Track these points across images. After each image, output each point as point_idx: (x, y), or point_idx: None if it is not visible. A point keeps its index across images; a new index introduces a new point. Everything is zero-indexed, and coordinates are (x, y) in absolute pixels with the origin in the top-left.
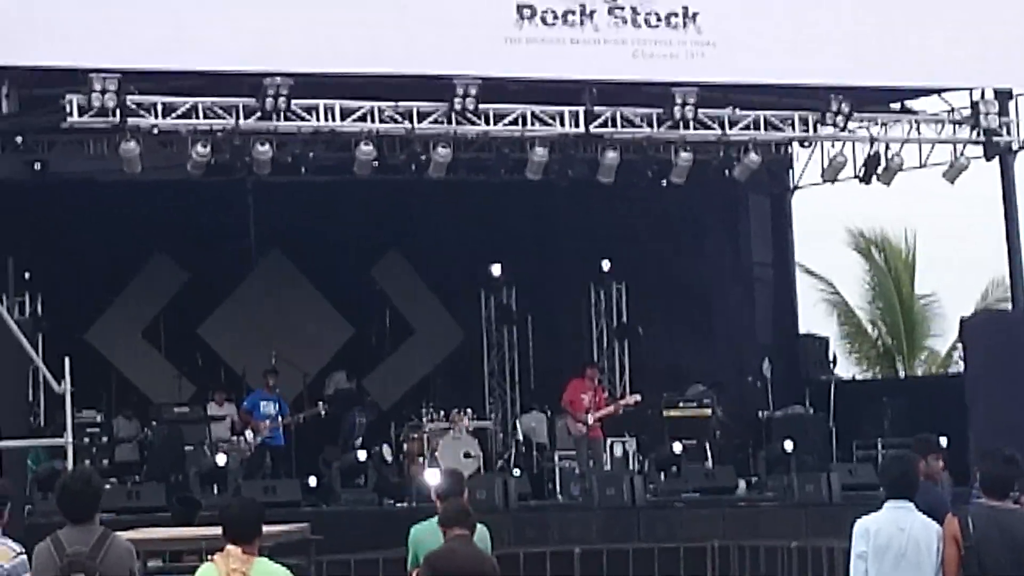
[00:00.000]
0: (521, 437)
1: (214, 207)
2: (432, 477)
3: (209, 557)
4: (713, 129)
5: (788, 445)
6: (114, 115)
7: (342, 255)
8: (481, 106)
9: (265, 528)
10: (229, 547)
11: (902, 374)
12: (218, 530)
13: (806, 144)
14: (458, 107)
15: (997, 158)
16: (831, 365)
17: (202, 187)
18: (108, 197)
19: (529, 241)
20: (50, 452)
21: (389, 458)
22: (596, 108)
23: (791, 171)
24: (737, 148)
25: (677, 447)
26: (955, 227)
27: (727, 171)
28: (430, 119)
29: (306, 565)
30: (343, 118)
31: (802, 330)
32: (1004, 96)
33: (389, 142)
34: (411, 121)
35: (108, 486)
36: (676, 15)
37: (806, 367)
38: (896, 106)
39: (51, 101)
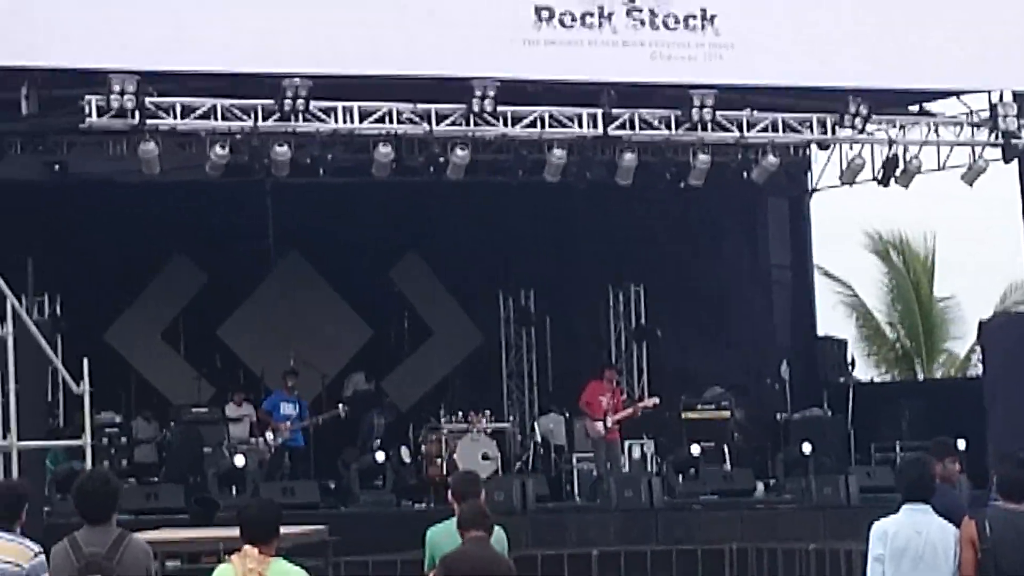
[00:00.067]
0: (539, 439)
1: (233, 208)
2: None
3: (226, 557)
4: (731, 131)
5: (806, 447)
6: (133, 116)
7: (360, 256)
8: (499, 108)
9: (283, 529)
10: (246, 548)
11: (920, 377)
12: (236, 531)
13: (824, 146)
14: (476, 109)
15: (1016, 160)
16: (849, 367)
17: (221, 188)
18: (127, 198)
19: (547, 243)
20: (69, 453)
21: (407, 459)
22: (614, 110)
23: (809, 173)
24: (755, 150)
25: (695, 449)
26: (974, 230)
27: (745, 173)
28: (448, 121)
29: (324, 566)
30: (361, 119)
31: (820, 332)
32: (1023, 98)
33: (407, 143)
34: (429, 123)
35: (127, 487)
36: (694, 17)
37: (824, 369)
38: (914, 108)
39: (70, 102)
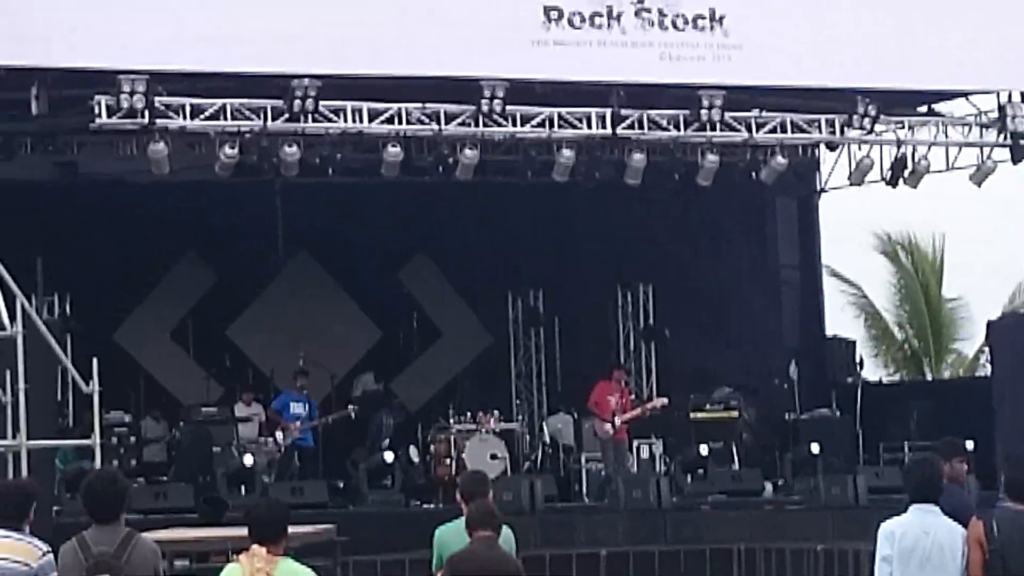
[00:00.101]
0: (548, 439)
1: (242, 208)
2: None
3: (234, 557)
4: (740, 131)
5: (815, 448)
6: (143, 116)
7: (369, 257)
8: (508, 108)
9: (291, 529)
10: (254, 547)
11: (929, 377)
12: (244, 531)
13: (833, 147)
14: (485, 109)
15: None
16: (858, 368)
17: (230, 188)
18: (136, 198)
19: (556, 243)
20: (78, 452)
21: (416, 459)
22: (623, 110)
23: (818, 174)
24: (764, 151)
25: (703, 449)
26: (982, 230)
27: (754, 174)
28: (457, 121)
29: (332, 566)
30: (371, 120)
31: (829, 333)
32: None
33: (416, 144)
34: (438, 123)
35: (136, 486)
36: (703, 17)
37: (833, 370)
38: (923, 109)
39: (80, 102)
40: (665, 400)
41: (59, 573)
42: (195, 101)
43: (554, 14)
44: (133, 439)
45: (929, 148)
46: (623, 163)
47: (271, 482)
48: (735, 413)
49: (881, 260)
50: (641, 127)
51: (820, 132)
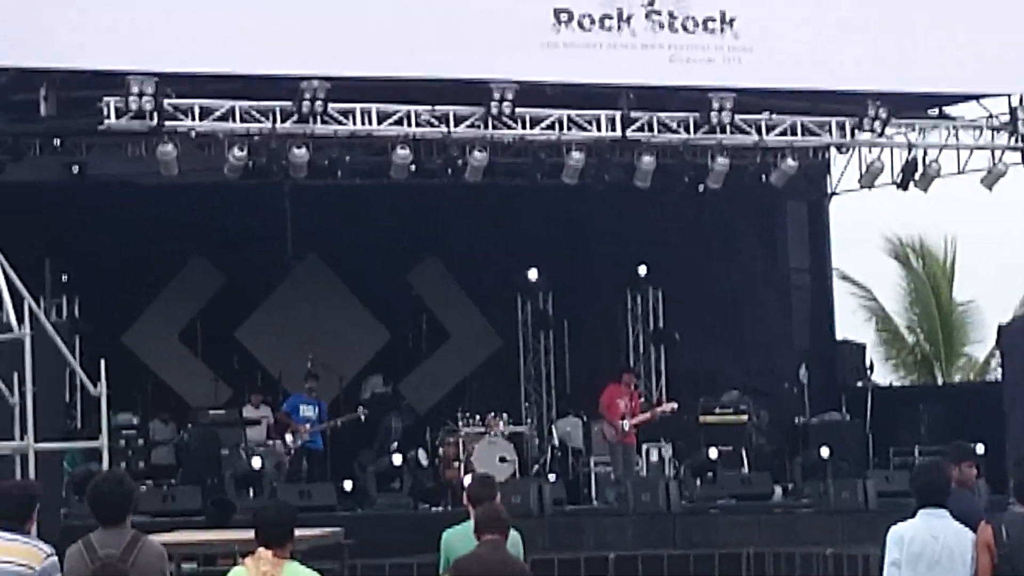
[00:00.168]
0: (557, 442)
1: (250, 210)
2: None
3: (241, 560)
4: (750, 134)
5: (824, 452)
6: (151, 118)
7: (378, 259)
8: (518, 110)
9: (299, 532)
10: (260, 550)
11: (940, 381)
12: (252, 533)
13: (844, 150)
14: (495, 111)
15: None
16: (868, 371)
17: (238, 190)
18: (145, 200)
19: (565, 246)
20: (86, 455)
21: (425, 462)
22: (633, 113)
23: (828, 177)
24: (774, 153)
25: (713, 453)
26: (993, 233)
27: (764, 176)
28: (467, 123)
29: (339, 569)
30: (379, 122)
31: (839, 336)
32: None
33: (425, 146)
34: (447, 125)
35: (144, 489)
36: (713, 20)
37: (843, 373)
38: (934, 112)
39: (89, 104)
40: (675, 405)
41: None
42: (204, 103)
43: (564, 16)
44: (141, 441)
45: (940, 151)
46: (633, 166)
47: (279, 484)
48: (744, 417)
49: (892, 263)
50: (651, 129)
51: (831, 135)
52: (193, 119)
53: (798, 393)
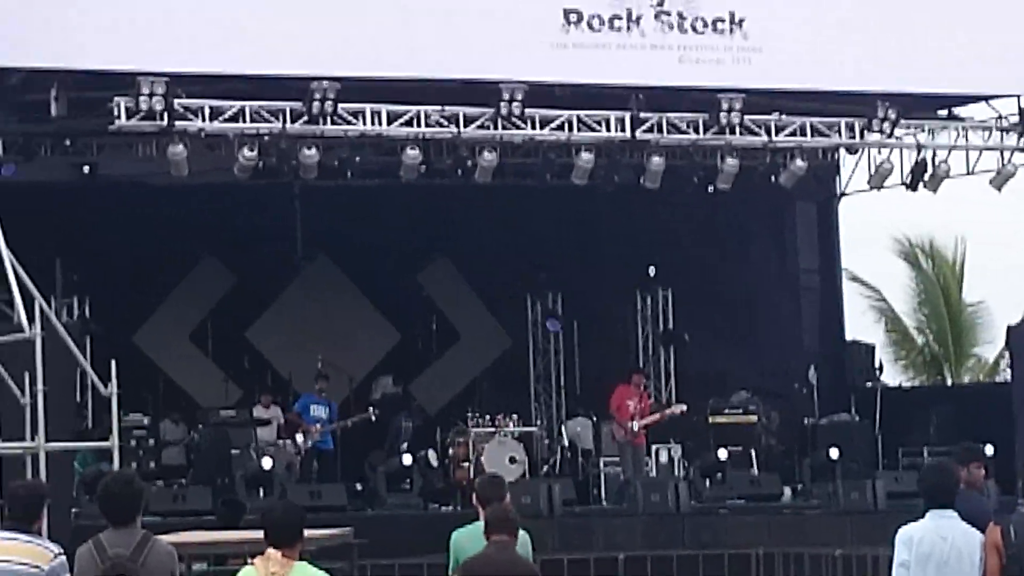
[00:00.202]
0: (566, 443)
1: (261, 211)
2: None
3: (250, 560)
4: (759, 135)
5: (834, 452)
6: (162, 118)
7: (388, 259)
8: (527, 111)
9: (308, 532)
10: (269, 551)
11: (949, 382)
12: (261, 533)
13: (853, 151)
14: (504, 112)
15: None
16: (877, 372)
17: (249, 191)
18: (155, 200)
19: (575, 246)
20: (97, 455)
21: (435, 463)
22: (642, 113)
23: (838, 177)
24: (783, 154)
25: (722, 454)
26: (1003, 234)
27: (773, 177)
28: (476, 124)
29: (349, 569)
30: (390, 122)
31: (848, 337)
32: None
33: (435, 146)
34: (457, 126)
35: (154, 489)
36: (723, 21)
37: (852, 374)
38: (943, 113)
39: (99, 104)
40: (684, 407)
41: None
42: (214, 103)
43: (573, 17)
44: (152, 441)
45: (949, 152)
46: (642, 166)
47: (290, 485)
48: (754, 418)
49: (901, 264)
50: (660, 130)
51: (840, 136)
52: (203, 119)
53: (807, 394)
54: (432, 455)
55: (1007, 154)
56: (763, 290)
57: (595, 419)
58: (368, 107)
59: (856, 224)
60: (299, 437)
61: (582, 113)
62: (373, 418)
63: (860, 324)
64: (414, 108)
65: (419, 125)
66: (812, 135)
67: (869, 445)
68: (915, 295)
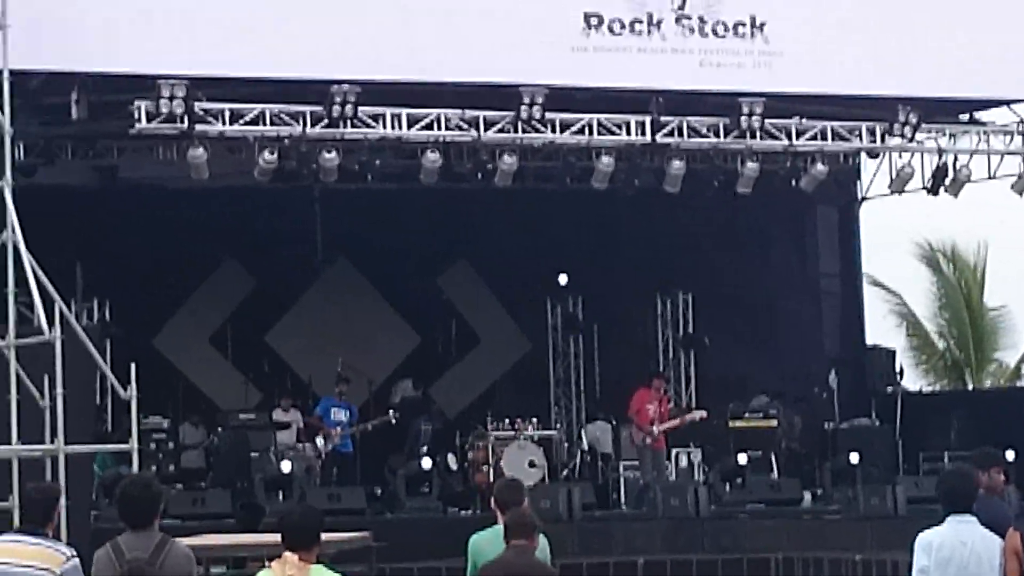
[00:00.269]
0: (586, 447)
1: (281, 214)
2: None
3: (267, 564)
4: (780, 139)
5: (854, 457)
6: (182, 121)
7: (408, 263)
8: (548, 115)
9: (327, 536)
10: (286, 554)
11: (970, 386)
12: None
13: (874, 155)
14: (525, 115)
15: None
16: (898, 377)
17: (269, 194)
18: (176, 203)
19: (595, 250)
20: (117, 458)
21: (454, 466)
22: (663, 117)
23: (859, 182)
24: (804, 158)
25: (742, 458)
26: None
27: (794, 181)
28: (496, 127)
29: (368, 572)
30: (410, 126)
31: (869, 342)
32: None
33: (455, 150)
34: (477, 129)
35: (174, 492)
36: (743, 25)
37: (873, 379)
38: (965, 117)
39: (120, 107)
40: (704, 413)
41: None
42: (234, 106)
43: (594, 20)
44: (171, 444)
45: (971, 156)
46: (663, 170)
47: (309, 488)
48: (774, 422)
49: (922, 269)
50: (681, 134)
51: (861, 140)
52: (223, 123)
53: (827, 398)
54: (451, 459)
55: None
56: (783, 294)
57: (615, 423)
58: (388, 111)
59: (877, 228)
60: (319, 440)
61: (602, 117)
62: (393, 421)
63: (881, 328)
64: (434, 111)
65: (439, 129)
66: (833, 139)
67: (889, 450)
68: (936, 299)
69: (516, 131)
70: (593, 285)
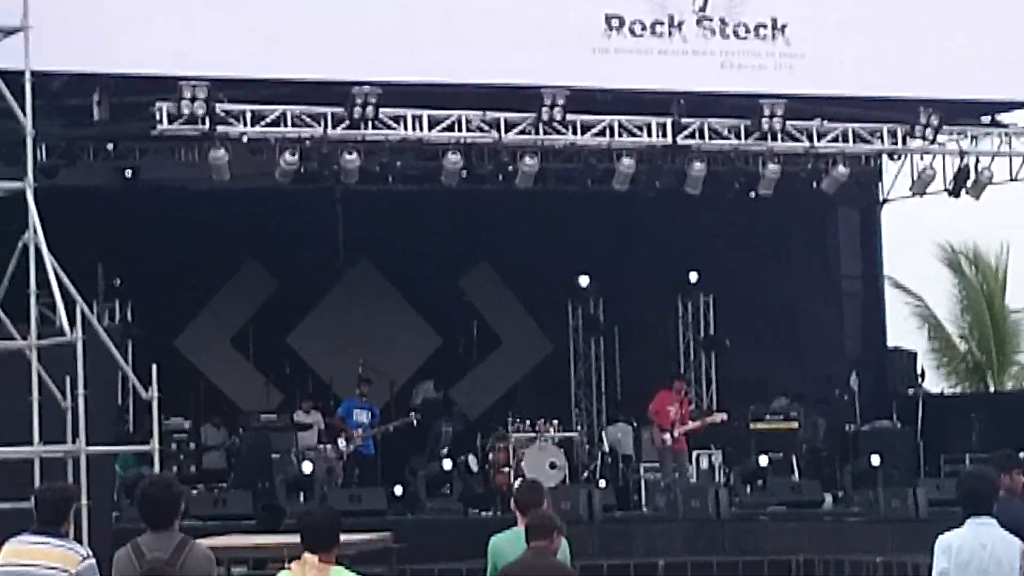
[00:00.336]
0: (607, 448)
1: (302, 215)
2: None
3: (287, 565)
4: (801, 141)
5: (875, 459)
6: (203, 123)
7: (429, 264)
8: (569, 116)
9: (348, 537)
10: (306, 555)
11: (991, 389)
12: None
13: (895, 157)
14: (546, 117)
15: None
16: (919, 379)
17: (290, 195)
18: (197, 204)
19: (616, 252)
20: (138, 458)
21: (475, 468)
22: (684, 119)
23: (880, 184)
24: (825, 160)
25: (763, 460)
26: None
27: (815, 183)
28: (518, 129)
29: (388, 573)
30: (431, 127)
31: (891, 344)
32: None
33: (477, 151)
34: (499, 131)
35: (195, 493)
36: (765, 26)
37: (894, 381)
38: (986, 119)
39: (141, 109)
40: (724, 415)
41: None
42: (256, 108)
43: (615, 22)
44: (193, 445)
45: (992, 158)
46: (683, 172)
47: (330, 489)
48: (795, 424)
49: (944, 271)
50: (702, 136)
51: (882, 142)
52: (245, 124)
53: (849, 400)
54: (472, 460)
55: None
56: (805, 296)
57: (635, 425)
58: (409, 112)
59: (898, 230)
60: (341, 441)
61: (623, 119)
62: (414, 423)
63: (902, 331)
64: (455, 113)
65: (460, 130)
66: (854, 141)
67: (911, 452)
68: (958, 302)
69: (537, 133)
70: (614, 287)
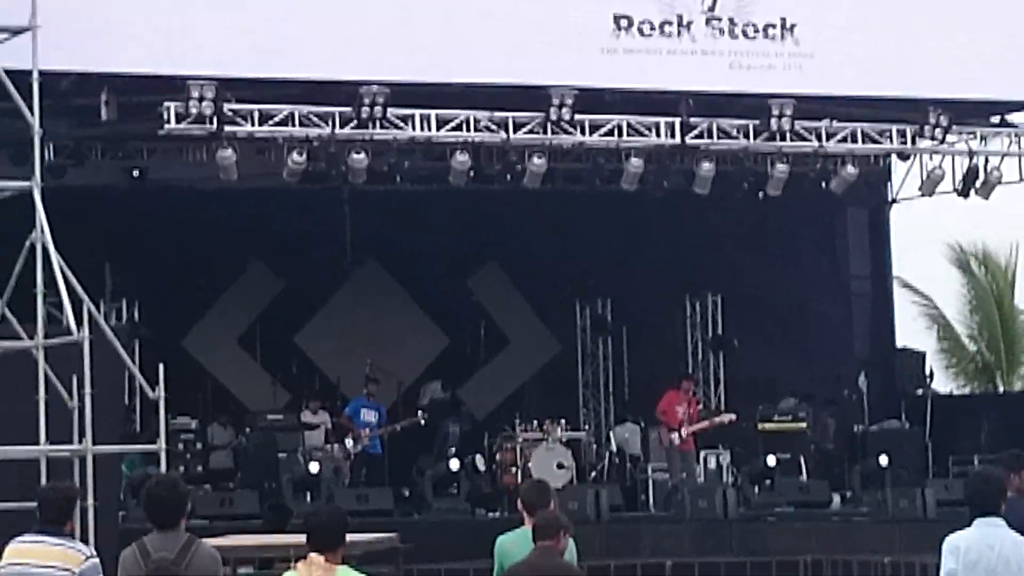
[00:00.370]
0: (614, 448)
1: (310, 215)
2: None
3: (293, 564)
4: (810, 141)
5: (883, 460)
6: (211, 122)
7: (437, 264)
8: (577, 116)
9: (354, 537)
10: (312, 555)
11: (1000, 389)
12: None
13: (904, 157)
14: (554, 117)
15: None
16: (928, 379)
17: (298, 195)
18: (205, 204)
19: (624, 252)
20: (145, 458)
21: (482, 468)
22: (692, 119)
23: (889, 184)
24: (834, 160)
25: (771, 460)
26: None
27: (824, 183)
28: (526, 129)
29: (395, 573)
30: (439, 127)
31: (899, 344)
32: None
33: (485, 151)
34: (507, 131)
35: (202, 493)
36: (774, 26)
37: (903, 381)
38: (995, 119)
39: (149, 108)
40: (733, 416)
41: None
42: (263, 107)
43: (624, 22)
44: (199, 445)
45: (1001, 159)
46: (692, 172)
47: (337, 489)
48: (803, 424)
49: (953, 271)
50: (710, 136)
51: (891, 142)
52: (253, 124)
53: (857, 400)
54: (480, 460)
55: None
56: (813, 296)
57: (643, 425)
58: (417, 112)
59: (907, 230)
60: (348, 441)
61: (632, 118)
62: (422, 423)
63: (911, 331)
64: (463, 113)
65: (468, 130)
66: (863, 141)
67: (919, 453)
68: (967, 302)
69: (545, 133)
70: (622, 287)
